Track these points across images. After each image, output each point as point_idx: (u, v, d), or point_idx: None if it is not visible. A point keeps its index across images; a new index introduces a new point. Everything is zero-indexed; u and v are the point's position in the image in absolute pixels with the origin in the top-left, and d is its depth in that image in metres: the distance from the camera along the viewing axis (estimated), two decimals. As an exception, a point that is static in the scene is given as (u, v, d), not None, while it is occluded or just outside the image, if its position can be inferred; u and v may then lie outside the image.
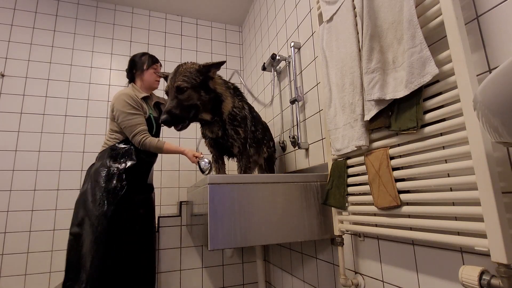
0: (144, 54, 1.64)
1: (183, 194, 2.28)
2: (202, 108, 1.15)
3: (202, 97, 1.12)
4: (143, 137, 1.47)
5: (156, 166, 2.25)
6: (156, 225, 1.82)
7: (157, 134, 1.64)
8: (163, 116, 1.07)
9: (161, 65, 1.69)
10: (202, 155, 1.44)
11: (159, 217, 1.85)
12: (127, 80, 1.67)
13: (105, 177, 1.43)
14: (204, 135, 1.33)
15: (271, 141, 1.56)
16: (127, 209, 1.42)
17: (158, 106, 1.71)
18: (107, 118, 2.17)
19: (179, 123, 1.10)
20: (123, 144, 1.52)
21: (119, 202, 1.40)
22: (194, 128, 2.38)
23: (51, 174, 2.00)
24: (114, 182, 1.42)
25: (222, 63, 1.15)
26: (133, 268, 1.42)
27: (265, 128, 1.54)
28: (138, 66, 1.60)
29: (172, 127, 1.14)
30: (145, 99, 1.59)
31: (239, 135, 1.24)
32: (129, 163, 1.48)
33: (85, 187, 1.45)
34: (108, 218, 1.36)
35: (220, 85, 1.21)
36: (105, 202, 1.38)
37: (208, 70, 1.14)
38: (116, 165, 1.46)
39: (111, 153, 1.49)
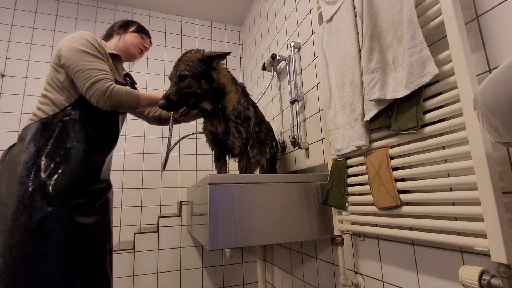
0: (137, 22, 1.37)
1: (183, 194, 2.28)
2: (203, 97, 1.15)
3: (203, 86, 1.13)
4: (111, 84, 1.04)
5: (155, 166, 2.26)
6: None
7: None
8: (161, 101, 1.07)
9: (151, 43, 1.43)
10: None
11: (159, 217, 1.85)
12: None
13: (28, 166, 0.94)
14: (205, 130, 1.32)
15: (273, 141, 1.56)
16: (63, 218, 0.93)
17: (131, 79, 1.37)
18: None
19: (176, 109, 1.12)
20: (63, 116, 1.02)
21: (51, 207, 0.92)
22: (194, 126, 2.38)
23: (51, 174, 2.00)
24: (43, 174, 0.94)
25: (226, 54, 1.12)
26: None
27: (268, 128, 1.54)
28: (123, 26, 1.32)
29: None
30: (113, 57, 1.20)
31: (241, 134, 1.24)
32: (69, 146, 1.00)
33: None
34: (30, 233, 0.89)
35: (226, 76, 1.20)
36: (26, 207, 0.90)
37: (211, 60, 1.13)
38: (49, 148, 0.98)
39: (42, 130, 1.00)
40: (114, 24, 1.33)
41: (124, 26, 1.33)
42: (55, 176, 0.96)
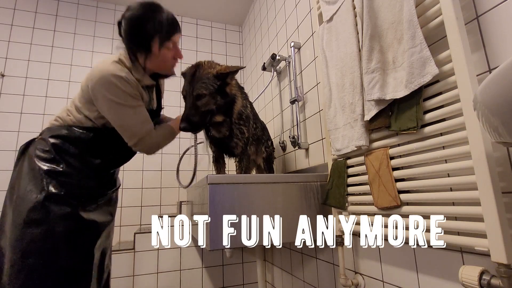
0: (150, 16, 1.02)
1: (183, 194, 2.28)
2: (217, 112, 1.15)
3: (218, 102, 1.12)
4: (154, 138, 1.11)
5: (155, 166, 2.26)
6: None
7: None
8: (182, 125, 1.07)
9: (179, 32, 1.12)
10: None
11: (159, 217, 1.85)
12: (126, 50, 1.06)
13: (47, 167, 0.97)
14: (208, 136, 1.31)
15: (269, 140, 1.55)
16: (73, 216, 0.98)
17: (158, 90, 1.27)
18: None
19: (198, 129, 1.13)
20: (88, 131, 1.05)
21: (64, 206, 0.96)
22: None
23: (51, 174, 1.99)
24: (59, 176, 0.98)
25: (239, 69, 1.13)
26: None
27: (263, 127, 1.54)
28: (142, 45, 1.03)
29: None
30: (147, 86, 1.15)
31: (244, 135, 1.24)
32: (87, 159, 1.05)
33: (14, 175, 1.02)
34: (44, 230, 0.92)
35: (235, 86, 1.21)
36: (42, 205, 0.93)
37: (226, 76, 1.13)
38: (68, 154, 1.01)
39: (66, 136, 1.03)
40: (130, 40, 1.04)
41: (143, 45, 1.03)
42: (70, 180, 1.00)
